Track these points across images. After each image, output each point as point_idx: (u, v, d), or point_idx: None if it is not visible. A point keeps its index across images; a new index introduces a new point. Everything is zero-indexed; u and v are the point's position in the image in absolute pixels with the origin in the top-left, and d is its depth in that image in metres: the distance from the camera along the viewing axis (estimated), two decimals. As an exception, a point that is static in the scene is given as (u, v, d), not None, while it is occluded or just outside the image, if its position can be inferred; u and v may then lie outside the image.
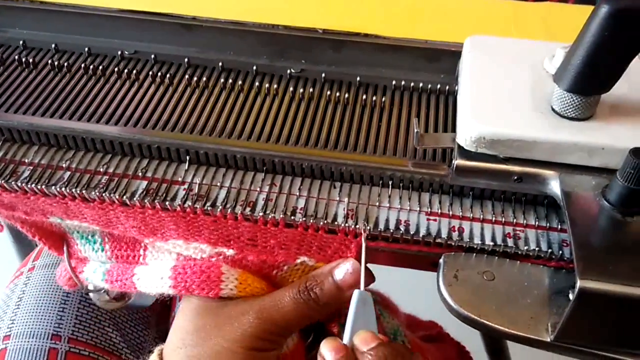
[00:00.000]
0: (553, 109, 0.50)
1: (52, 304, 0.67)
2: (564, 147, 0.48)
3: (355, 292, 0.47)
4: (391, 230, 0.50)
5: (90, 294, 0.59)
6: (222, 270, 0.49)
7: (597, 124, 0.49)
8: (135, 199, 0.51)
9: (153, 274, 0.50)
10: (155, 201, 0.51)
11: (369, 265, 0.51)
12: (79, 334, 0.66)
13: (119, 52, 0.64)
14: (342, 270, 0.49)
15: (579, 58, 0.46)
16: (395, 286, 0.76)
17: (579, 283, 0.41)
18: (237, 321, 0.48)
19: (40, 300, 0.67)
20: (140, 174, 0.54)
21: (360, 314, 0.47)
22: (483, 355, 1.04)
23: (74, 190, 0.51)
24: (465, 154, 0.50)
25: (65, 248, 0.55)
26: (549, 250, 0.49)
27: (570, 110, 0.49)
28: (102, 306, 0.61)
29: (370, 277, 0.50)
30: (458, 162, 0.50)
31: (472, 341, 0.87)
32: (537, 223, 0.51)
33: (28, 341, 0.64)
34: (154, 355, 0.50)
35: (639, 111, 0.51)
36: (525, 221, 0.52)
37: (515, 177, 0.50)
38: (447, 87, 0.61)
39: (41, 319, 0.65)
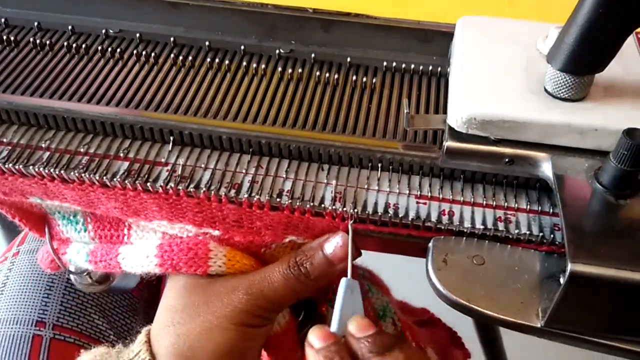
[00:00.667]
0: (546, 90, 0.49)
1: (37, 290, 0.66)
2: (556, 129, 0.47)
3: (343, 280, 0.46)
4: (379, 214, 0.49)
5: (72, 278, 0.57)
6: (209, 247, 0.48)
7: (591, 105, 0.48)
8: (115, 180, 0.49)
9: (138, 253, 0.49)
10: (137, 182, 0.49)
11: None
12: (64, 321, 0.65)
13: (103, 31, 0.62)
14: (332, 243, 0.48)
15: (572, 36, 0.45)
16: (388, 273, 0.75)
17: (569, 266, 0.40)
18: (227, 298, 0.47)
19: (24, 286, 0.66)
20: (122, 154, 0.52)
21: (348, 302, 0.46)
22: (475, 343, 1.04)
23: (52, 170, 0.50)
24: (456, 135, 0.49)
25: (46, 229, 0.54)
26: (541, 234, 0.48)
27: (563, 90, 0.48)
28: (84, 290, 0.60)
29: (356, 252, 0.50)
30: (449, 143, 0.49)
31: (464, 329, 0.86)
32: (528, 207, 0.50)
33: (12, 328, 0.62)
34: (142, 335, 0.49)
35: (634, 92, 0.49)
36: (516, 205, 0.50)
37: (507, 160, 0.48)
38: (439, 69, 0.59)
39: (25, 305, 0.64)
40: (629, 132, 0.42)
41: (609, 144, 0.45)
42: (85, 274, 0.55)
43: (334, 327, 0.45)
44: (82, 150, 0.52)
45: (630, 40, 0.55)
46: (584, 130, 0.47)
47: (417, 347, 0.63)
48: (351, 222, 0.49)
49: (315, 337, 0.44)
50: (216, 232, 0.49)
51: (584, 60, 0.46)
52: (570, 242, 0.41)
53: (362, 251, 0.59)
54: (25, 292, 0.65)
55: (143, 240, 0.51)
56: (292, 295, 0.49)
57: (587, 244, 0.41)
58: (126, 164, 0.51)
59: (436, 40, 0.61)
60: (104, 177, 0.50)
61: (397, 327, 0.60)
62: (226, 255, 0.48)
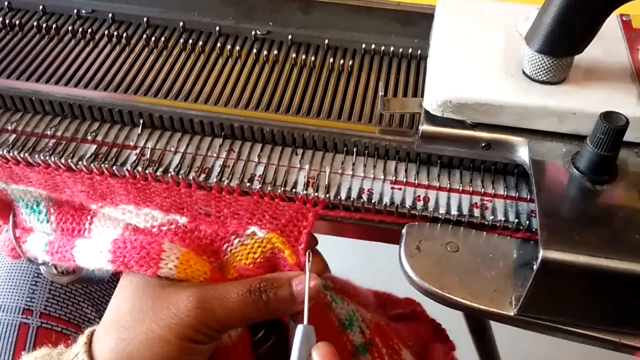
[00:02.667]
0: (524, 73, 0.48)
1: (24, 277, 0.65)
2: (534, 112, 0.46)
3: (299, 327, 0.45)
4: (352, 199, 0.48)
5: (41, 268, 0.56)
6: (163, 247, 0.46)
7: (569, 88, 0.47)
8: (82, 163, 0.48)
9: (93, 247, 0.48)
10: (104, 166, 0.48)
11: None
12: (52, 309, 0.64)
13: (75, 11, 0.60)
14: (302, 281, 0.47)
15: (550, 17, 0.44)
16: (378, 263, 0.74)
17: (541, 253, 0.39)
18: (175, 307, 0.45)
19: (12, 273, 0.65)
20: (89, 137, 0.51)
21: (304, 347, 0.45)
22: (465, 334, 1.03)
23: (17, 153, 0.48)
24: (431, 119, 0.48)
25: (11, 217, 0.53)
26: (516, 221, 0.47)
27: (541, 73, 0.46)
28: (52, 280, 0.59)
29: (322, 265, 0.49)
30: (424, 127, 0.47)
31: (454, 319, 0.85)
32: (506, 193, 0.49)
33: None
34: (83, 336, 0.47)
35: (614, 76, 0.48)
36: (494, 191, 0.49)
37: (484, 144, 0.47)
38: (419, 52, 0.58)
39: (12, 293, 0.63)
40: (606, 116, 0.41)
41: (588, 128, 0.44)
42: (50, 264, 0.54)
43: None
44: (49, 133, 0.51)
45: (615, 23, 0.54)
46: (561, 113, 0.45)
47: (391, 349, 0.62)
48: (309, 260, 0.47)
49: None
50: (183, 219, 0.48)
51: (561, 42, 0.45)
52: (543, 228, 0.40)
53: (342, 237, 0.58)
54: (13, 279, 0.64)
55: (102, 235, 0.49)
56: (244, 319, 0.47)
57: (561, 230, 0.40)
58: (94, 147, 0.50)
59: (418, 22, 0.60)
60: (70, 161, 0.48)
61: (365, 335, 0.59)
62: (179, 258, 0.46)
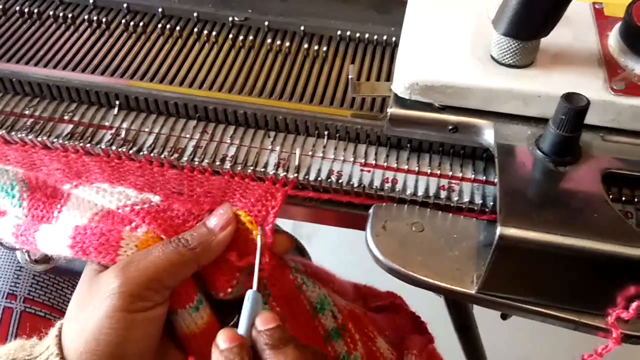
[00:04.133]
0: (492, 57, 0.48)
1: (9, 263, 0.65)
2: (499, 95, 0.46)
3: (249, 292, 0.46)
4: (321, 180, 0.49)
5: (17, 254, 0.57)
6: (122, 235, 0.46)
7: (536, 71, 0.47)
8: (57, 141, 0.49)
9: (54, 232, 0.48)
10: (79, 144, 0.49)
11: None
12: (36, 294, 0.64)
13: (57, -5, 0.61)
14: (214, 214, 0.47)
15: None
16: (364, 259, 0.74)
17: (499, 229, 0.39)
18: (105, 284, 0.45)
19: None
20: (66, 117, 0.52)
21: (254, 310, 0.45)
22: (445, 327, 1.03)
23: (-6, 131, 0.50)
24: (400, 102, 0.48)
25: None
26: (481, 202, 0.47)
27: (508, 56, 0.47)
28: (26, 267, 0.59)
29: (287, 241, 0.50)
30: (392, 110, 0.48)
31: (438, 316, 0.85)
32: (474, 176, 0.50)
33: None
34: (54, 329, 0.47)
35: (581, 61, 0.49)
36: (461, 174, 0.50)
37: (451, 127, 0.48)
38: (394, 39, 0.59)
39: None
40: (567, 97, 0.42)
41: (553, 111, 0.45)
42: (24, 250, 0.54)
43: (241, 330, 0.45)
44: (27, 112, 0.52)
45: (587, 10, 0.54)
46: (527, 96, 0.46)
47: (365, 337, 0.62)
48: (259, 233, 0.48)
49: (221, 339, 0.44)
50: (156, 198, 0.49)
51: (527, 25, 0.45)
52: (502, 207, 0.41)
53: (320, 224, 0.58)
54: None
55: (66, 222, 0.49)
56: (174, 268, 0.46)
57: (520, 210, 0.41)
58: (70, 126, 0.51)
59: (394, 10, 0.61)
60: (47, 139, 0.49)
61: (337, 319, 0.59)
62: (137, 246, 0.46)
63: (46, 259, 0.56)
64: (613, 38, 0.50)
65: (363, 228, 0.55)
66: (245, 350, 0.43)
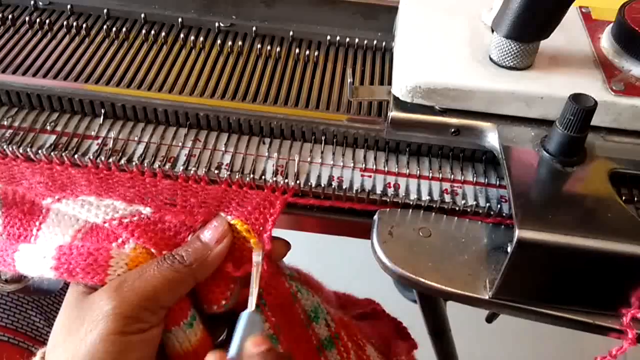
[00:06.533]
0: (491, 59, 0.48)
1: None
2: (502, 97, 0.46)
3: (244, 314, 0.44)
4: (323, 186, 0.47)
5: None
6: (111, 253, 0.44)
7: (536, 73, 0.47)
8: (41, 152, 0.46)
9: (36, 252, 0.45)
10: (65, 155, 0.46)
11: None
12: None
13: (32, 2, 0.58)
14: (207, 227, 0.46)
15: (517, 2, 0.44)
16: (338, 264, 0.73)
17: (517, 233, 0.39)
18: (98, 306, 0.42)
19: None
20: (49, 127, 0.49)
21: (248, 332, 0.44)
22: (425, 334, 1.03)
23: (-30, 143, 0.46)
24: (401, 105, 0.47)
25: None
26: (487, 205, 0.47)
27: (508, 58, 0.47)
28: None
29: (284, 247, 0.48)
30: (393, 114, 0.47)
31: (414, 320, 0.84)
32: (475, 179, 0.49)
33: None
34: (37, 358, 0.44)
35: (578, 62, 0.49)
36: (463, 177, 0.49)
37: (453, 130, 0.47)
38: (383, 44, 0.58)
39: None
40: (575, 97, 0.42)
41: (555, 112, 0.44)
42: None
43: (232, 352, 0.43)
44: (5, 123, 0.49)
45: (575, 14, 0.55)
46: (529, 98, 0.46)
47: (356, 345, 0.61)
48: (258, 252, 0.46)
49: None
50: (147, 210, 0.46)
51: (529, 27, 0.45)
52: (517, 210, 0.40)
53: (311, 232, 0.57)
54: None
55: (47, 242, 0.47)
56: (170, 286, 0.44)
57: (535, 212, 0.40)
58: (53, 137, 0.48)
59: (381, 16, 0.60)
60: (29, 150, 0.46)
61: (330, 328, 0.57)
62: (128, 264, 0.44)
63: (17, 278, 0.53)
64: (606, 40, 0.51)
65: (357, 235, 0.54)
66: None
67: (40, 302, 0.65)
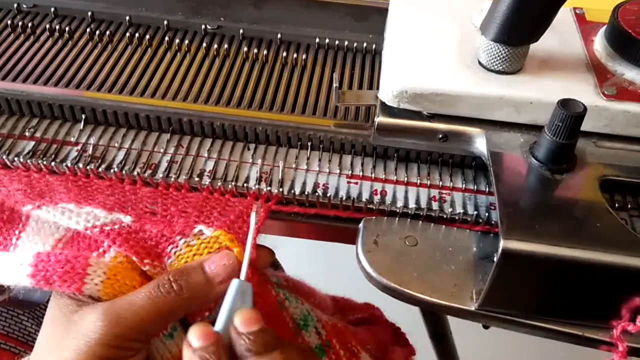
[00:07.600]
0: (480, 63, 0.47)
1: None
2: (491, 102, 0.45)
3: (234, 282, 0.41)
4: (307, 194, 0.46)
5: None
6: (89, 261, 0.42)
7: (526, 78, 0.46)
8: (18, 160, 0.45)
9: (13, 260, 0.44)
10: (42, 162, 0.45)
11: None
12: None
13: (16, 5, 0.57)
14: (215, 261, 0.43)
15: (505, 4, 0.43)
16: (337, 269, 0.72)
17: (502, 243, 0.37)
18: (84, 327, 0.40)
19: None
20: (27, 133, 0.48)
21: (237, 303, 0.40)
22: (426, 340, 1.02)
23: (-54, 150, 0.45)
24: (387, 110, 0.46)
25: None
26: (475, 213, 0.45)
27: (497, 62, 0.46)
28: None
29: (268, 255, 0.47)
30: (380, 119, 0.46)
31: (414, 325, 0.83)
32: (464, 186, 0.48)
33: None
34: None
35: (570, 66, 0.48)
36: (452, 184, 0.48)
37: (441, 136, 0.46)
38: (373, 47, 0.57)
39: None
40: (564, 103, 0.40)
41: (545, 117, 0.43)
42: None
43: (218, 325, 0.40)
44: (-17, 129, 0.48)
45: (569, 16, 0.54)
46: (518, 103, 0.45)
47: (349, 352, 0.60)
48: (254, 210, 0.44)
49: (194, 336, 0.39)
50: (127, 219, 0.45)
51: (517, 30, 0.44)
52: (503, 219, 0.39)
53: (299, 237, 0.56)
54: None
55: (26, 250, 0.45)
56: (159, 318, 0.41)
57: (521, 221, 0.39)
58: (32, 143, 0.47)
59: (372, 18, 0.59)
60: (6, 157, 0.45)
61: (321, 336, 0.56)
62: (106, 273, 0.42)
63: (1, 290, 0.52)
64: (599, 43, 0.50)
65: (347, 241, 0.52)
66: (223, 349, 0.38)
67: (34, 313, 0.64)
